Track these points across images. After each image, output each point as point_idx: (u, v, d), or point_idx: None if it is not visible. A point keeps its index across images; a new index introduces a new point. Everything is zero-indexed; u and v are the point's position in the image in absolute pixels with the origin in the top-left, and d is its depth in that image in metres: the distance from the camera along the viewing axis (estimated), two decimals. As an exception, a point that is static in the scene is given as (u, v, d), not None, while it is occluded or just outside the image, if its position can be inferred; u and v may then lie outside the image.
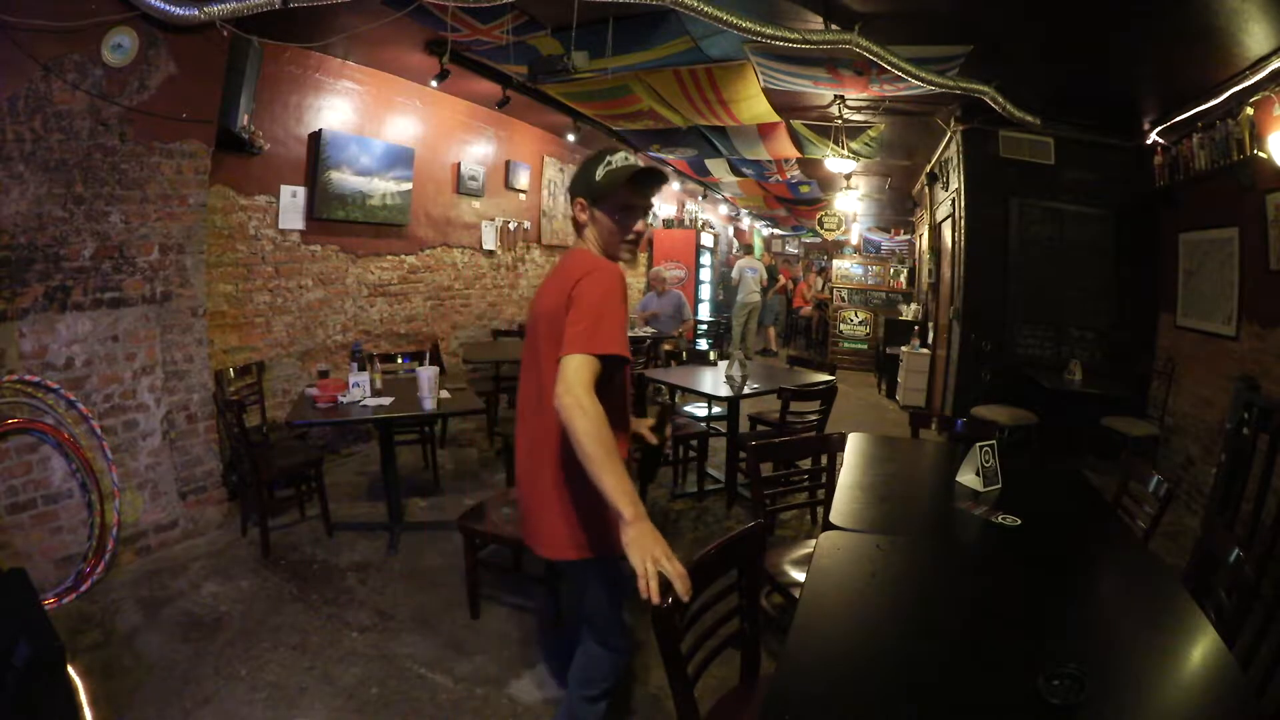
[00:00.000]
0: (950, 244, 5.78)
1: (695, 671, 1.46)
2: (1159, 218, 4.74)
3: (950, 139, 5.43)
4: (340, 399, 3.27)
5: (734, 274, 10.28)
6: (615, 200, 1.64)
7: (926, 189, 7.34)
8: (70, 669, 1.78)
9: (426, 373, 3.25)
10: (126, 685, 2.25)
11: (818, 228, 10.75)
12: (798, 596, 1.61)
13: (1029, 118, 4.26)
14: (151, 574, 3.01)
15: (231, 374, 3.81)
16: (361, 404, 3.28)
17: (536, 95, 5.33)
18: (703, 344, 9.04)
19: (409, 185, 5.17)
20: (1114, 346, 5.04)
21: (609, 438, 1.39)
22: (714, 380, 4.20)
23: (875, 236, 12.39)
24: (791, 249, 19.05)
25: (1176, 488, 2.92)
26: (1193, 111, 3.84)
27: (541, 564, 2.63)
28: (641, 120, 5.70)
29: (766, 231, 17.44)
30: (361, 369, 3.46)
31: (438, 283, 5.83)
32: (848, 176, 7.13)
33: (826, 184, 8.51)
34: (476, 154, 6.11)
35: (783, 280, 12.85)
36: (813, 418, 3.90)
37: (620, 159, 1.65)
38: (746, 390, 3.93)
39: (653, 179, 1.66)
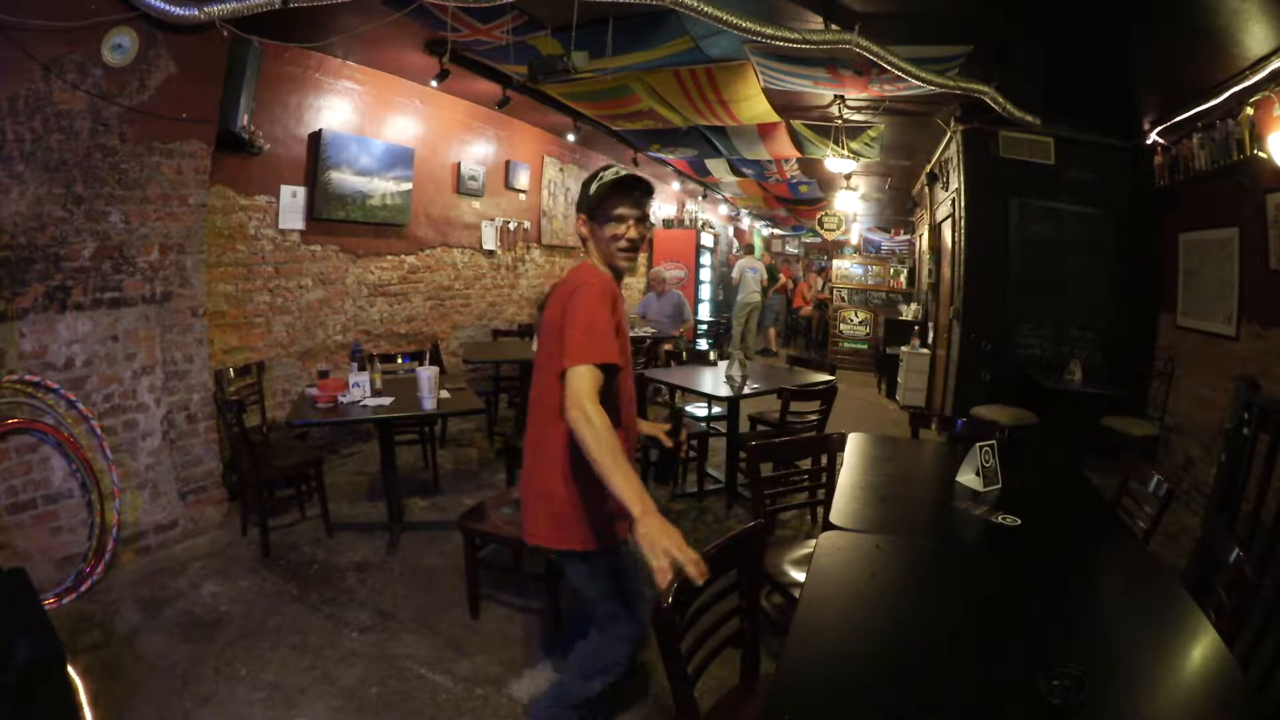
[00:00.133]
0: (950, 244, 5.79)
1: (695, 671, 1.46)
2: (1159, 218, 4.74)
3: (950, 139, 5.43)
4: (340, 399, 3.27)
5: (734, 273, 10.28)
6: (606, 210, 1.74)
7: (926, 189, 7.34)
8: (70, 669, 1.78)
9: (426, 373, 3.25)
10: (126, 685, 2.25)
11: (818, 228, 10.75)
12: (798, 596, 1.62)
13: (1029, 118, 4.26)
14: (151, 574, 3.01)
15: (231, 374, 3.81)
16: (361, 404, 3.28)
17: (536, 95, 5.33)
18: (703, 344, 9.04)
19: (409, 185, 5.17)
20: (1114, 346, 5.04)
21: (614, 443, 1.49)
22: (714, 380, 4.20)
23: (875, 236, 12.40)
24: (791, 249, 19.05)
25: (1176, 488, 2.91)
26: (1193, 111, 3.84)
27: (541, 564, 2.64)
28: (641, 120, 5.70)
29: (766, 231, 17.44)
30: (361, 369, 3.46)
31: (438, 283, 5.83)
32: (848, 176, 7.13)
33: (826, 184, 8.52)
34: (476, 154, 6.11)
35: (783, 280, 12.85)
36: (813, 418, 3.90)
37: (611, 173, 1.76)
38: (746, 390, 3.93)
39: (634, 184, 1.75)
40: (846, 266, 10.86)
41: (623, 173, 1.76)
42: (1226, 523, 3.24)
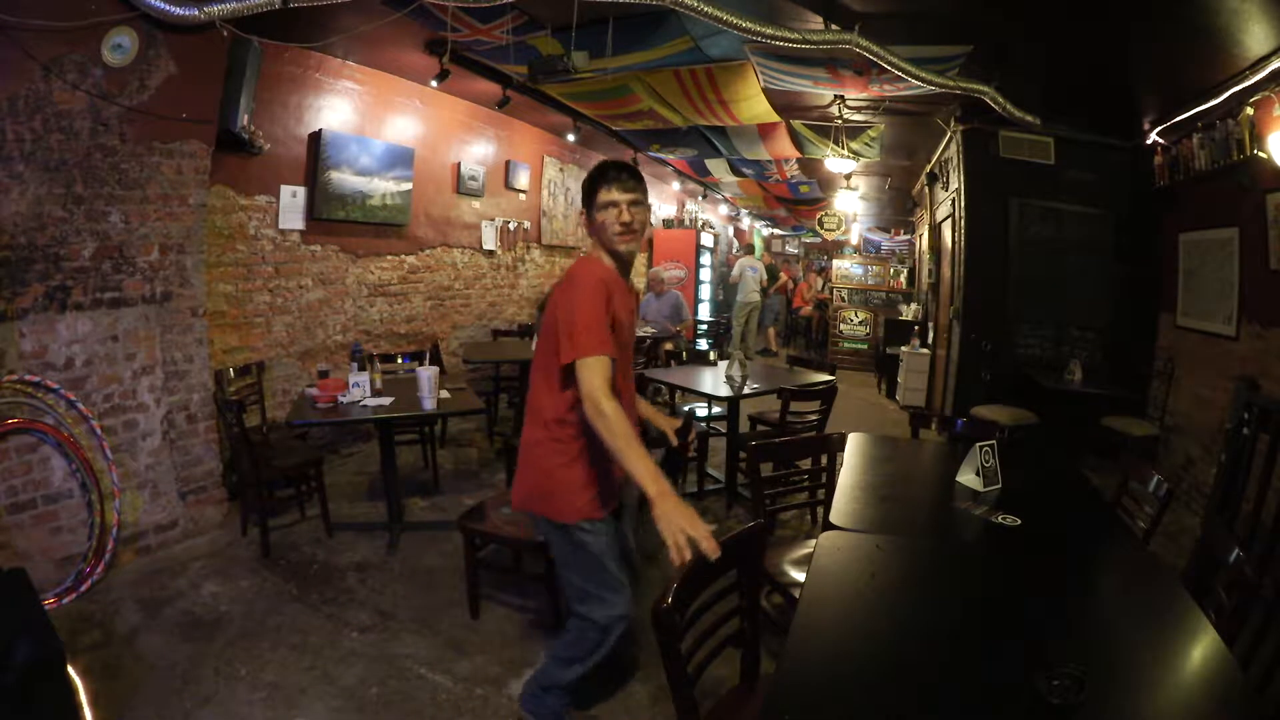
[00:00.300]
0: (950, 244, 5.78)
1: (695, 671, 1.46)
2: (1159, 218, 4.74)
3: (950, 139, 5.43)
4: (340, 399, 3.27)
5: (734, 272, 10.28)
6: (597, 200, 1.84)
7: (926, 189, 7.34)
8: (70, 669, 1.78)
9: (426, 373, 3.25)
10: (126, 685, 2.25)
11: (818, 228, 10.75)
12: (798, 596, 1.62)
13: (1029, 118, 4.26)
14: (151, 574, 3.01)
15: (231, 374, 3.81)
16: (361, 404, 3.28)
17: (536, 95, 5.33)
18: (703, 344, 9.04)
19: (409, 185, 5.17)
20: (1114, 346, 5.04)
21: (628, 431, 1.59)
22: (714, 380, 4.20)
23: (875, 236, 12.40)
24: (791, 249, 19.05)
25: (1176, 488, 2.91)
26: (1193, 111, 3.84)
27: (541, 564, 2.63)
28: (641, 120, 5.70)
29: (766, 231, 17.44)
30: (361, 369, 3.46)
31: (438, 283, 5.83)
32: (848, 176, 7.12)
33: (826, 184, 8.51)
34: (476, 154, 6.11)
35: (783, 279, 12.85)
36: (813, 418, 3.90)
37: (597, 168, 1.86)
38: (746, 390, 3.93)
39: (618, 168, 1.84)
40: (846, 266, 10.86)
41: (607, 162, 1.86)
42: (1226, 523, 3.24)
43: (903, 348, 7.20)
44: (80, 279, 2.92)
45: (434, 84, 4.44)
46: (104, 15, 2.81)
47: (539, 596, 2.84)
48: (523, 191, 6.85)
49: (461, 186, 5.92)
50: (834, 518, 2.00)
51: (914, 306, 8.71)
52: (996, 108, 4.08)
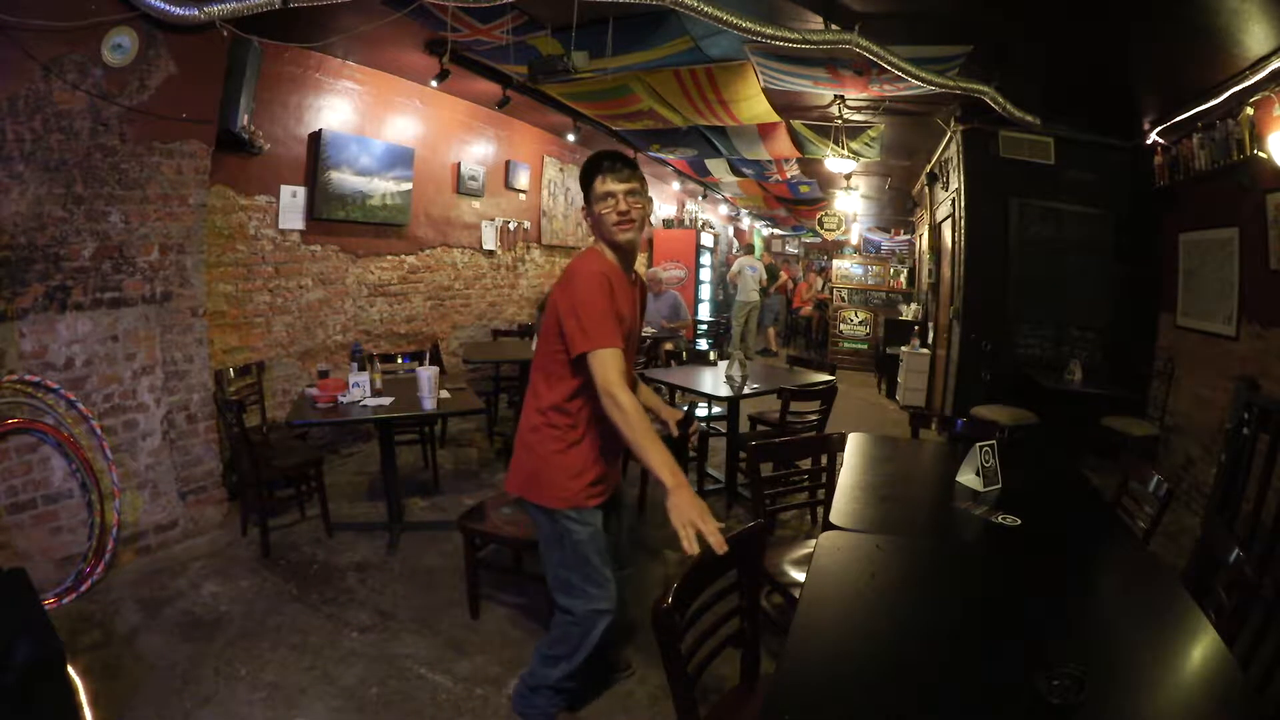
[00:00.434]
0: (950, 244, 5.79)
1: (695, 671, 1.46)
2: (1159, 218, 4.74)
3: (950, 139, 5.43)
4: (340, 399, 3.27)
5: (733, 270, 10.28)
6: (594, 192, 1.84)
7: (926, 189, 7.34)
8: (70, 669, 1.78)
9: (426, 373, 3.25)
10: (126, 685, 2.25)
11: (818, 228, 10.76)
12: (798, 596, 1.61)
13: (1029, 118, 4.26)
14: (151, 574, 3.01)
15: (231, 374, 3.81)
16: (361, 404, 3.28)
17: (536, 95, 5.33)
18: (703, 344, 9.03)
19: (409, 185, 5.17)
20: (1114, 346, 5.04)
21: (644, 424, 1.61)
22: (714, 380, 4.20)
23: (875, 236, 12.40)
24: (791, 249, 19.05)
25: (1176, 488, 2.91)
26: (1193, 111, 3.84)
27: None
28: (641, 120, 5.70)
29: (766, 231, 17.44)
30: (361, 369, 3.46)
31: (438, 283, 5.83)
32: (848, 176, 7.13)
33: (826, 184, 8.52)
34: (476, 154, 6.11)
35: (783, 279, 12.85)
36: (813, 418, 3.90)
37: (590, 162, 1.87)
38: (746, 390, 3.93)
39: (611, 158, 1.84)
40: (846, 266, 10.86)
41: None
42: (1226, 523, 3.24)
43: (903, 348, 7.20)
44: (80, 279, 2.92)
45: (434, 84, 4.44)
46: (104, 15, 2.81)
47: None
48: (523, 191, 6.85)
49: (461, 186, 5.92)
50: (834, 518, 2.00)
51: (914, 306, 8.71)
52: (996, 108, 4.08)
